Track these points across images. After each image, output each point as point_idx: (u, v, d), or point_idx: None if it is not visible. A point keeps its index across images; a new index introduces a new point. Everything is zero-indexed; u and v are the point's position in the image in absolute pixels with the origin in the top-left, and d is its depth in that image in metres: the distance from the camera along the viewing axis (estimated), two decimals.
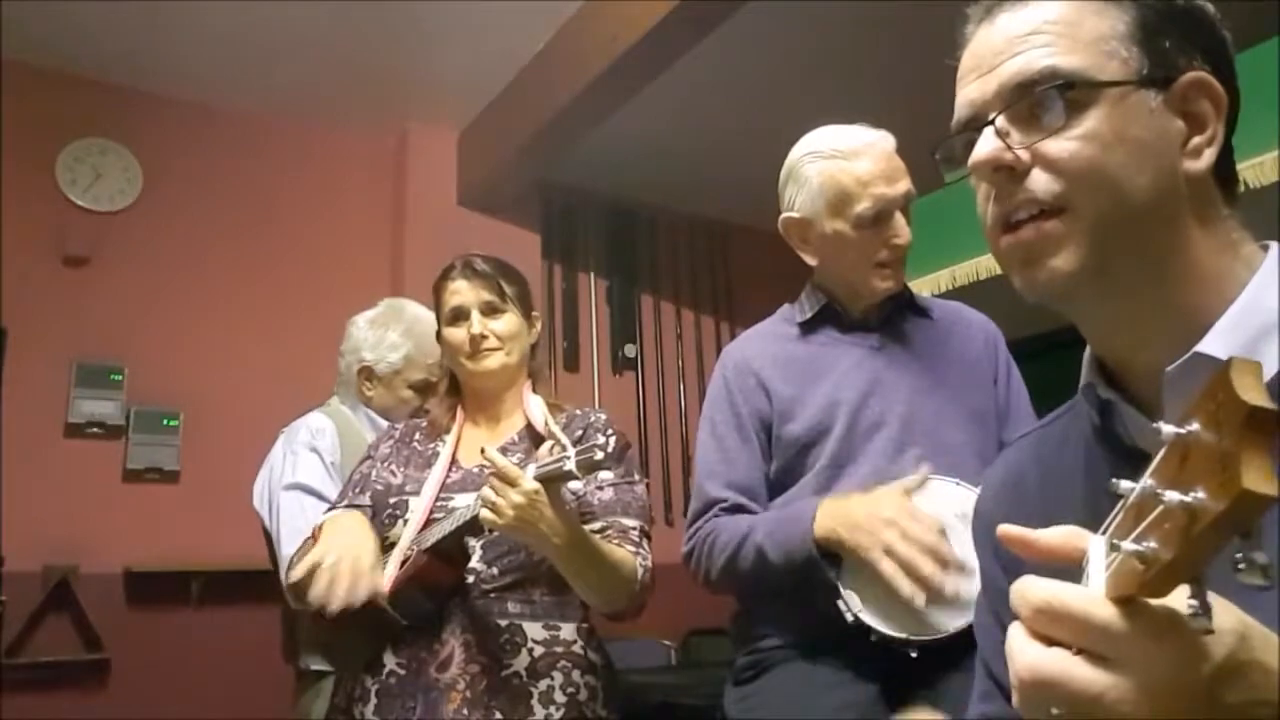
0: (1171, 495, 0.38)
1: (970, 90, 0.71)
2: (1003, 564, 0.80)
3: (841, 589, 1.31)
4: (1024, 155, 0.67)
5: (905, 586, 1.23)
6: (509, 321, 1.64)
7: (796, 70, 3.61)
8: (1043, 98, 0.66)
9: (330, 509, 1.66)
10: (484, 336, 1.61)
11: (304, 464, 1.95)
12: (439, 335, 1.70)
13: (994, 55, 0.70)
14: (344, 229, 4.03)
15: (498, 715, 1.41)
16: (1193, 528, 0.38)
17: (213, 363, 3.59)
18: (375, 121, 4.07)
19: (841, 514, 1.31)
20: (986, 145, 0.68)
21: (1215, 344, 0.63)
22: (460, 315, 1.63)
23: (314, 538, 1.48)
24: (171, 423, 3.50)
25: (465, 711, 1.41)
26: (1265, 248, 0.70)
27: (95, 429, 3.39)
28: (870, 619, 1.28)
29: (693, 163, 4.33)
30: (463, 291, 1.64)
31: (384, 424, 2.03)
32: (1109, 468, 0.71)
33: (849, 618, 1.29)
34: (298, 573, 1.41)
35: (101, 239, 3.53)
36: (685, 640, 4.06)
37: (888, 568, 1.24)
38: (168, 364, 3.54)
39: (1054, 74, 0.66)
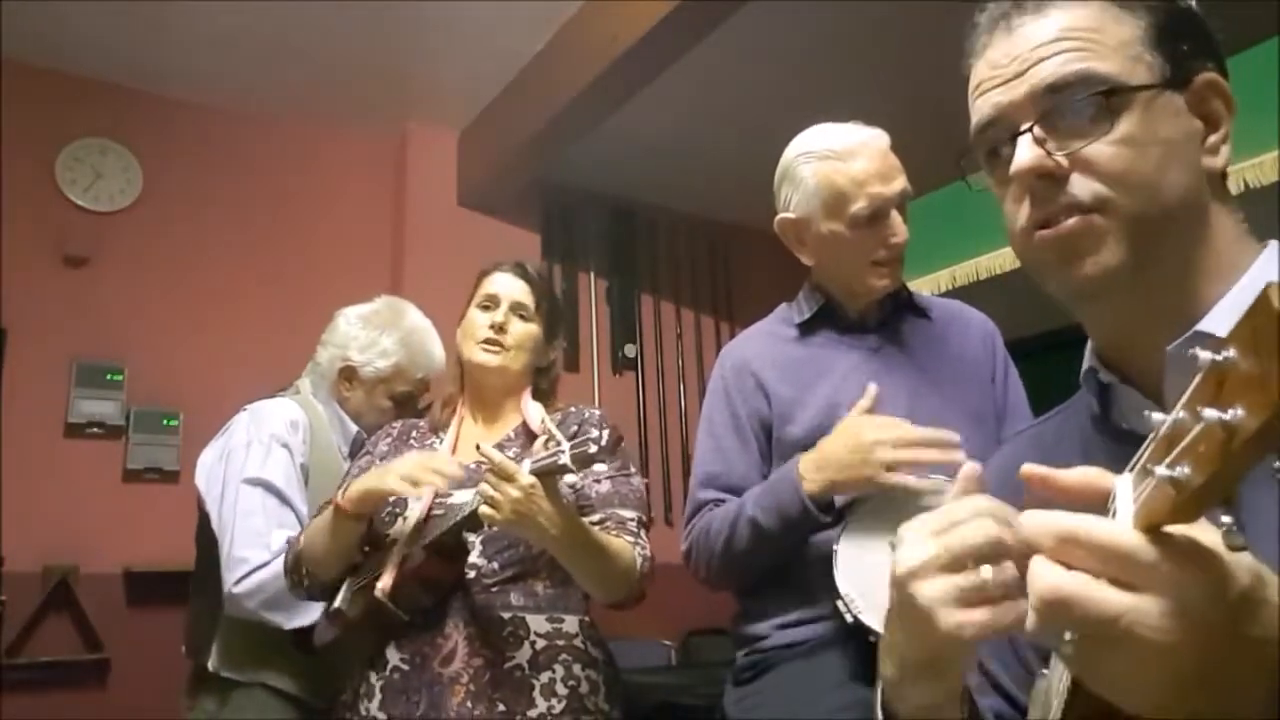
0: (1210, 413, 0.39)
1: (996, 95, 0.72)
2: None
3: (841, 588, 1.31)
4: (1064, 160, 0.68)
5: (922, 484, 1.27)
6: (529, 330, 1.67)
7: (796, 70, 3.61)
8: (1079, 103, 0.68)
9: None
10: (503, 328, 1.63)
11: (273, 459, 1.81)
12: (461, 320, 1.71)
13: (1018, 61, 0.70)
14: (344, 229, 4.03)
15: (501, 708, 1.42)
16: (1232, 443, 0.38)
17: (213, 363, 3.59)
18: (375, 121, 4.07)
19: (824, 462, 1.34)
20: (1027, 153, 0.69)
21: (1215, 323, 0.64)
22: (491, 303, 1.67)
23: (334, 503, 1.48)
24: (171, 423, 3.50)
25: (469, 704, 1.42)
26: (1265, 245, 0.72)
27: (95, 429, 3.39)
28: (870, 619, 1.28)
29: (693, 163, 4.33)
30: (502, 284, 1.69)
31: (353, 427, 1.98)
32: (1107, 455, 0.71)
33: (849, 618, 1.29)
34: (405, 489, 1.41)
35: (101, 239, 3.54)
36: (685, 640, 4.06)
37: (898, 480, 1.28)
38: (168, 364, 3.54)
39: (1089, 78, 0.67)
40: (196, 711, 1.83)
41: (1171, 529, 0.44)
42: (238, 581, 1.71)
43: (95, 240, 3.52)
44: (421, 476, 1.39)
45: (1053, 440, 0.80)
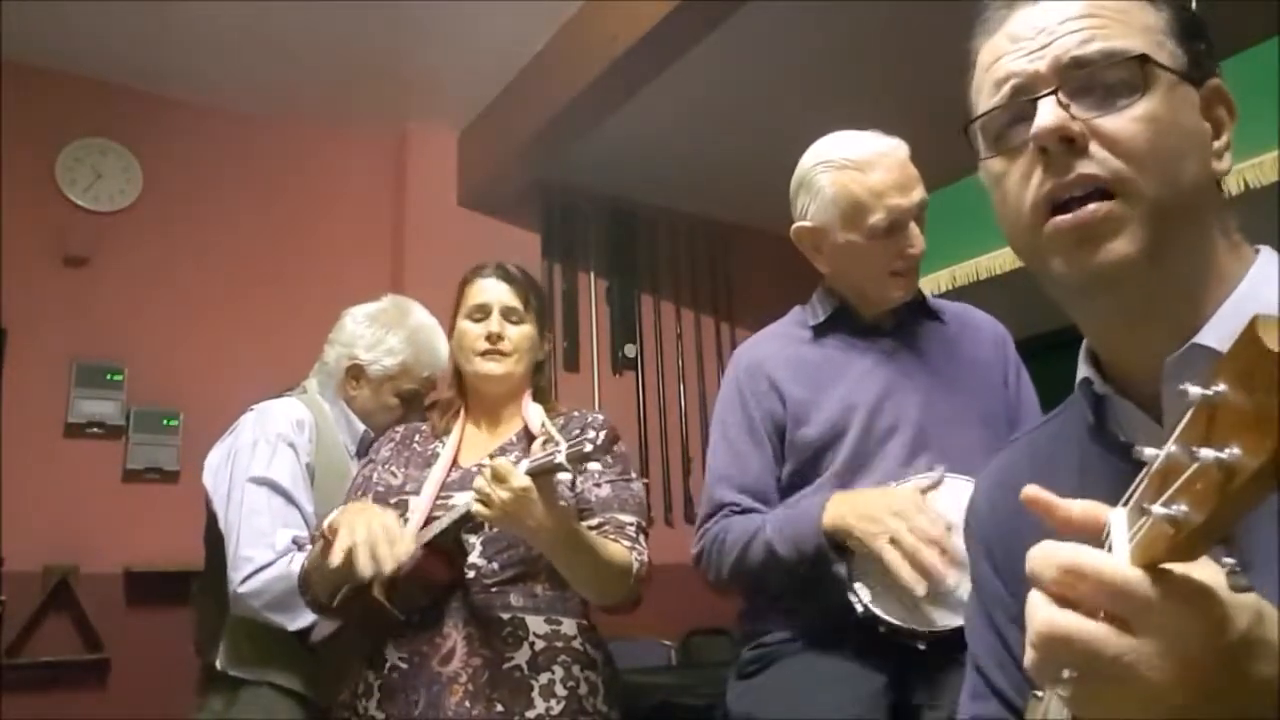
0: (1206, 453, 0.38)
1: (1016, 65, 0.70)
2: (995, 565, 0.80)
3: (852, 580, 1.31)
4: (1085, 129, 0.66)
5: (906, 574, 1.24)
6: (525, 331, 1.66)
7: (797, 70, 3.61)
8: (1106, 74, 0.66)
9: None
10: (501, 336, 1.62)
11: (279, 458, 1.81)
12: (451, 330, 1.70)
13: (1044, 34, 0.69)
14: (344, 229, 4.03)
15: (499, 708, 1.42)
16: (1229, 484, 0.38)
17: (213, 363, 3.59)
18: (375, 121, 4.07)
19: (850, 504, 1.33)
20: (1050, 114, 0.66)
21: (1212, 336, 0.64)
22: (482, 312, 1.65)
23: (323, 534, 1.47)
24: (171, 423, 3.49)
25: (467, 704, 1.42)
26: (1257, 251, 0.71)
27: (95, 429, 3.39)
28: (880, 611, 1.28)
29: (693, 163, 4.33)
30: (490, 290, 1.67)
31: (360, 426, 1.98)
32: (1102, 465, 0.71)
33: (859, 609, 1.29)
34: (337, 559, 1.35)
35: (101, 239, 3.53)
36: (685, 640, 4.06)
37: (891, 556, 1.25)
38: (168, 364, 3.54)
39: (1118, 53, 0.66)
40: (204, 711, 1.83)
41: (1171, 566, 0.44)
42: (243, 581, 1.71)
43: (95, 240, 3.52)
44: (372, 554, 1.34)
45: (1048, 448, 0.80)
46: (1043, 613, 0.46)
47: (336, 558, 1.35)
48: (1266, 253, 0.71)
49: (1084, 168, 0.65)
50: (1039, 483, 0.77)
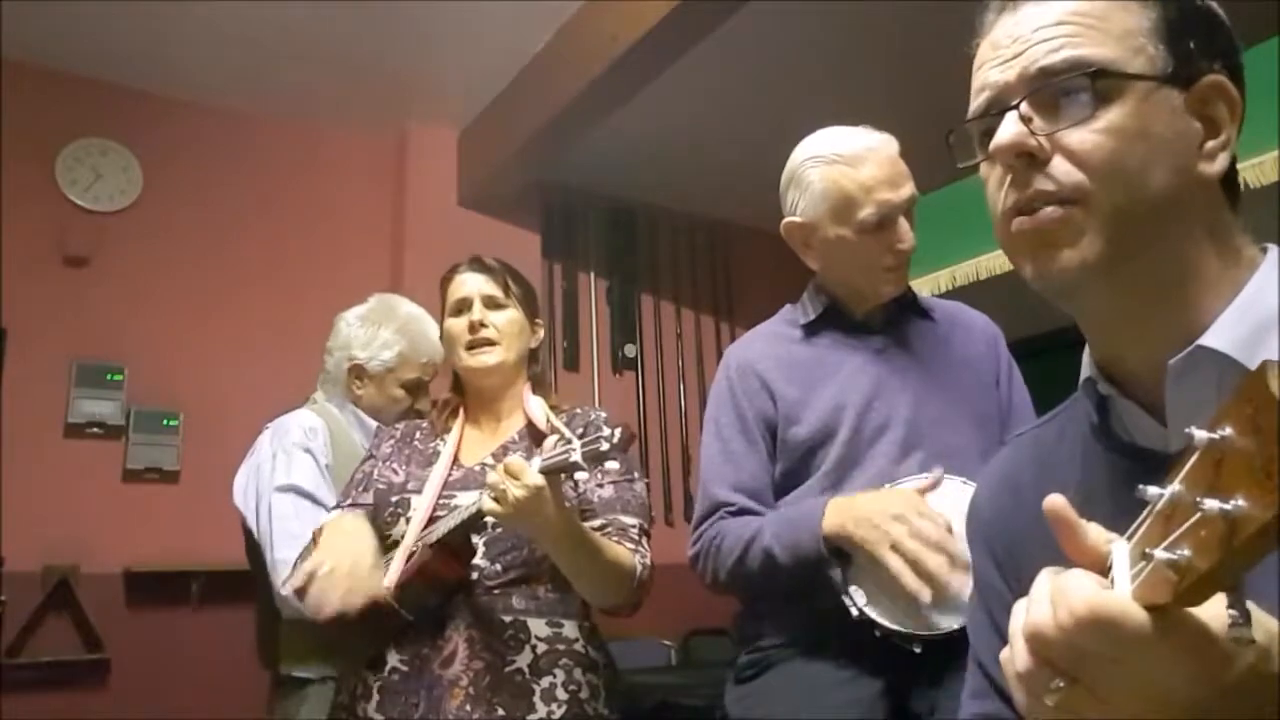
0: (1211, 503, 0.37)
1: (991, 75, 0.71)
2: (998, 563, 0.80)
3: (848, 584, 1.31)
4: (1046, 143, 0.66)
5: (911, 581, 1.23)
6: (509, 317, 1.65)
7: (797, 70, 3.61)
8: (1069, 86, 0.66)
9: (334, 508, 1.66)
10: (483, 325, 1.62)
11: (298, 465, 1.89)
12: (441, 331, 1.71)
13: (1018, 42, 0.69)
14: (344, 229, 4.03)
15: (500, 711, 1.42)
16: (1234, 537, 0.36)
17: (213, 363, 3.59)
18: (375, 121, 4.07)
19: (850, 510, 1.32)
20: (1010, 130, 0.67)
21: (1217, 338, 0.63)
22: (463, 306, 1.65)
23: (315, 541, 1.48)
24: (171, 423, 3.50)
25: (468, 708, 1.41)
26: (1265, 250, 0.70)
27: (95, 429, 3.39)
28: (875, 614, 1.28)
29: (693, 163, 4.33)
30: (468, 283, 1.67)
31: (372, 424, 2.00)
32: (1106, 465, 0.71)
33: (854, 613, 1.29)
34: (297, 581, 1.42)
35: (101, 239, 3.53)
36: (685, 640, 4.06)
37: (894, 562, 1.24)
38: (168, 364, 3.54)
39: (1081, 63, 0.66)
40: (277, 713, 1.91)
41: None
42: (284, 583, 1.75)
43: (95, 240, 3.52)
44: (347, 588, 1.39)
45: (1051, 446, 0.79)
46: (1029, 616, 0.47)
47: (298, 580, 1.41)
48: (1274, 253, 0.70)
49: (1041, 184, 0.66)
50: (1041, 481, 0.77)
